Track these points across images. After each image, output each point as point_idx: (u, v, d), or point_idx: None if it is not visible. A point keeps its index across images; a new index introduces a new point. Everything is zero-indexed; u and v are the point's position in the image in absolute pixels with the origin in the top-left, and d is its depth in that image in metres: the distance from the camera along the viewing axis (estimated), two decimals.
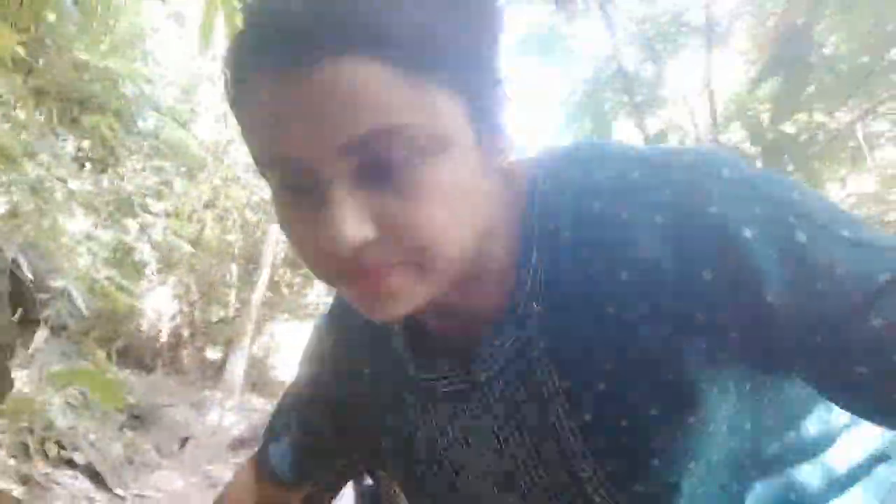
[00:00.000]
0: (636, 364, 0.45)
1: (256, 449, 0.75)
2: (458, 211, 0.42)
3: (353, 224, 0.39)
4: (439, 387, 0.54)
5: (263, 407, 7.37)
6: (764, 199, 0.43)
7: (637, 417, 0.46)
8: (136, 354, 7.63)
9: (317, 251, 0.42)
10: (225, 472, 5.50)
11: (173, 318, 8.76)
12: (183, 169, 7.02)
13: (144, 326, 8.17)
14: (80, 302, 4.33)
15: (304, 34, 0.37)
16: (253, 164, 0.45)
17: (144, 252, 6.44)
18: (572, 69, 3.43)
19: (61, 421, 4.10)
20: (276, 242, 8.63)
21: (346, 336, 0.64)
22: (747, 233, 0.42)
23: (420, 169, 0.40)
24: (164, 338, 8.54)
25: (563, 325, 0.47)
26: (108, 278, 4.75)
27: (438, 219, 0.41)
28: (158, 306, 8.48)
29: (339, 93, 0.37)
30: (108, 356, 5.79)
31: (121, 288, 4.84)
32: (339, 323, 0.65)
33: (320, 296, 9.35)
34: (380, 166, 0.39)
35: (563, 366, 0.48)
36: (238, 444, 6.13)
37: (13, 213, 4.48)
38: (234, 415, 6.75)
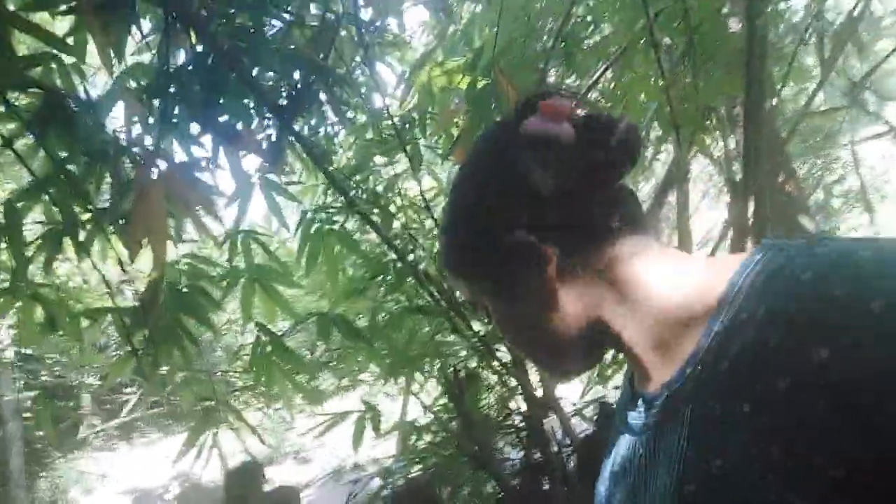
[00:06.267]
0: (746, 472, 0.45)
1: None
2: (529, 324, 0.62)
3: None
4: (630, 418, 0.61)
5: None
6: None
7: None
8: None
9: None
10: None
11: None
12: None
13: None
14: None
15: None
16: None
17: None
18: None
19: None
20: None
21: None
22: None
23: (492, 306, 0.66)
24: None
25: (708, 400, 0.49)
26: None
27: (511, 334, 0.67)
28: None
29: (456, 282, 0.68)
30: None
31: None
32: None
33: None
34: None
35: (693, 433, 0.50)
36: None
37: None
38: None
